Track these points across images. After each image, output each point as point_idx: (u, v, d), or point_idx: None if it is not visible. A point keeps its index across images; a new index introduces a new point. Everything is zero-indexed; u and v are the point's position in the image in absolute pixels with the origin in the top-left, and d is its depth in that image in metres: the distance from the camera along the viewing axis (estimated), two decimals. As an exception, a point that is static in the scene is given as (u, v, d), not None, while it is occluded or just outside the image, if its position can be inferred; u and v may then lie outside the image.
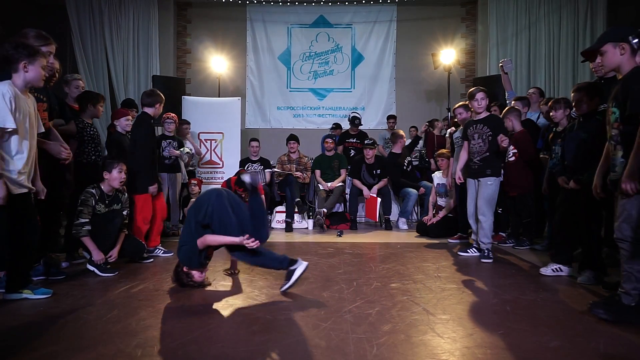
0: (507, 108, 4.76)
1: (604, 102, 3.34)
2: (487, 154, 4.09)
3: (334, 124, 7.96)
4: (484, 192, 4.07)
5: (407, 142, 7.01)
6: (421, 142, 7.59)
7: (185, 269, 3.06)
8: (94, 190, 3.66)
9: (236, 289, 3.12)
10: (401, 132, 6.60)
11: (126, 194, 3.93)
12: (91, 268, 3.56)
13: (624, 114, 2.47)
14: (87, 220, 3.58)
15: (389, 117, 8.04)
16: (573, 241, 3.55)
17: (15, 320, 2.50)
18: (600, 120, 3.22)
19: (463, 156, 4.34)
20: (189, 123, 6.34)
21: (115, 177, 3.71)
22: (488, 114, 4.25)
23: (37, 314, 2.59)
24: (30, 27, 3.16)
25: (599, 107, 3.31)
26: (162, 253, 4.30)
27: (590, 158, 3.14)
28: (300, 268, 3.03)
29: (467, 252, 4.30)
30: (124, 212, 3.86)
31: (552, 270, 3.52)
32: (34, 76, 2.71)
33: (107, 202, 3.73)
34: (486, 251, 4.10)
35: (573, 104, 3.46)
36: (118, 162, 3.76)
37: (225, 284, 3.25)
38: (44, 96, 3.23)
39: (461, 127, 4.89)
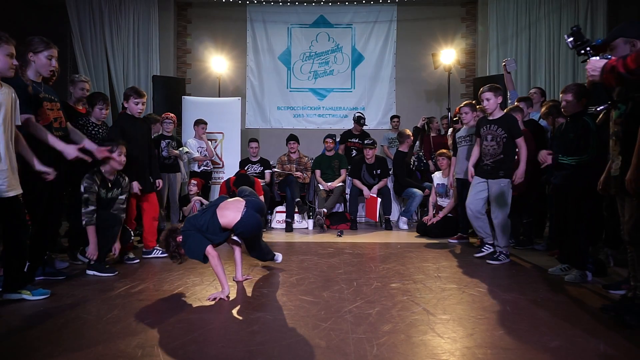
0: (509, 107, 4.75)
1: (592, 104, 3.40)
2: (501, 156, 3.97)
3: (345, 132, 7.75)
4: (496, 193, 3.98)
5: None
6: (418, 143, 7.59)
7: (179, 239, 2.99)
8: (94, 176, 3.60)
9: (236, 289, 3.12)
10: (408, 132, 6.58)
11: (127, 179, 3.88)
12: (90, 272, 3.53)
13: (628, 111, 2.41)
14: (95, 207, 3.53)
15: (393, 117, 7.98)
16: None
17: (15, 321, 2.50)
18: (587, 121, 3.30)
19: (475, 152, 4.21)
20: (205, 123, 6.26)
21: (116, 159, 3.64)
22: (503, 113, 4.09)
23: (37, 314, 2.59)
24: (30, 27, 3.18)
25: (587, 108, 3.37)
26: (161, 253, 4.27)
27: (575, 154, 3.30)
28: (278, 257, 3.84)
29: (482, 252, 4.22)
30: (123, 197, 3.81)
31: (560, 269, 3.54)
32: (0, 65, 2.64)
33: (109, 186, 3.70)
34: (498, 252, 4.02)
35: (561, 104, 3.49)
36: (117, 145, 3.66)
37: (225, 284, 3.25)
38: (53, 96, 3.30)
39: (464, 126, 4.87)
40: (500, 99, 4.03)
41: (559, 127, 3.61)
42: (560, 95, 3.47)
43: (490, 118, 4.08)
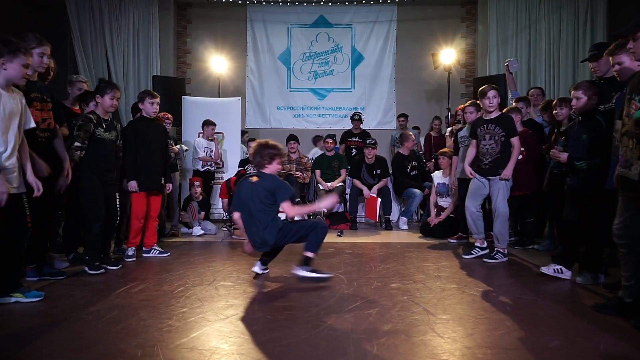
0: (508, 107, 4.74)
1: (604, 102, 3.34)
2: (499, 155, 4.03)
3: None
4: (500, 193, 3.99)
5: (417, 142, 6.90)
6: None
7: None
8: (91, 115, 3.64)
9: (236, 289, 3.12)
10: (410, 133, 6.51)
11: (119, 125, 3.94)
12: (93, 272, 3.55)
13: None
14: (81, 145, 3.53)
15: (400, 116, 7.88)
16: (579, 243, 3.46)
17: (15, 321, 2.50)
18: (600, 120, 3.23)
19: (471, 153, 4.28)
20: (214, 124, 6.23)
21: (108, 103, 3.69)
22: (499, 113, 4.15)
23: (37, 314, 2.59)
24: (30, 27, 3.17)
25: (598, 106, 3.31)
26: (158, 253, 4.28)
27: (588, 157, 3.24)
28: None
29: (472, 254, 4.22)
30: (119, 142, 3.87)
31: (554, 270, 3.48)
32: (14, 74, 2.67)
33: (105, 126, 3.70)
34: (495, 251, 4.02)
35: (572, 101, 3.44)
36: (112, 88, 3.72)
37: (225, 284, 3.25)
38: (47, 96, 3.26)
39: (466, 126, 4.86)
40: (499, 99, 4.13)
41: (571, 126, 3.51)
42: (572, 92, 3.40)
43: (487, 118, 4.14)
